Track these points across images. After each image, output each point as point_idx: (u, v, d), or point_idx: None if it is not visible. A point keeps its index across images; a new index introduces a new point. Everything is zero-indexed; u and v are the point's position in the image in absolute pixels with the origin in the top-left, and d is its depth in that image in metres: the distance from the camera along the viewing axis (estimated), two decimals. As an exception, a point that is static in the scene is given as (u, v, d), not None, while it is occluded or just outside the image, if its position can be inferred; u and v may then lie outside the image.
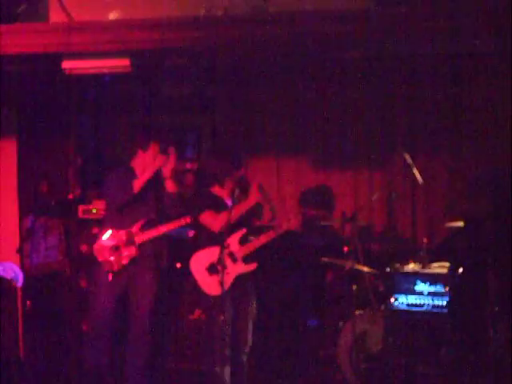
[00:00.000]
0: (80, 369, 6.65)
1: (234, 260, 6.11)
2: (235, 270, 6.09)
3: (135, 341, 6.35)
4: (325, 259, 6.83)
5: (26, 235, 7.33)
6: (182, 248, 6.90)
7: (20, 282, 6.79)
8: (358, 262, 6.54)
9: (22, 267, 7.14)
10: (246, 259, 6.12)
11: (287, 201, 7.86)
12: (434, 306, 6.18)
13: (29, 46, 6.74)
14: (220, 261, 5.82)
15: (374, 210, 7.54)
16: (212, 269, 6.06)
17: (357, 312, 6.35)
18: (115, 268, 6.30)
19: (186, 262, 6.27)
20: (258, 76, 7.89)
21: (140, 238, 6.38)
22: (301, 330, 7.22)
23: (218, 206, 6.17)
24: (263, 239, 6.12)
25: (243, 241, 6.16)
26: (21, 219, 7.66)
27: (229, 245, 6.02)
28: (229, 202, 6.18)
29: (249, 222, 6.22)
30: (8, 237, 7.53)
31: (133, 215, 6.40)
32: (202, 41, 6.58)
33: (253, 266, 6.11)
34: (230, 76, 7.93)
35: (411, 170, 6.71)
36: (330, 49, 6.86)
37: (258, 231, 6.26)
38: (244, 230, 6.14)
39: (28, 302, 6.86)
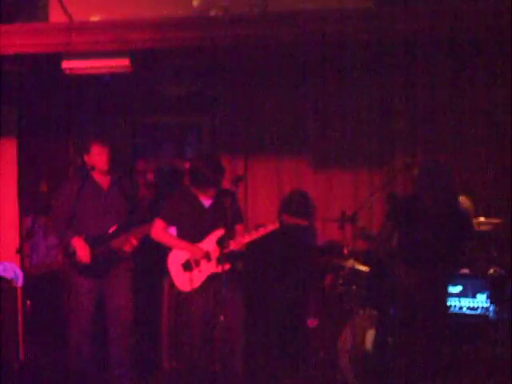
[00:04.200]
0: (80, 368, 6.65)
1: (209, 259, 6.16)
2: (208, 269, 6.16)
3: (117, 342, 6.38)
4: (325, 259, 6.82)
5: (26, 235, 7.32)
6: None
7: (20, 282, 6.79)
8: (358, 262, 6.55)
9: (22, 267, 7.13)
10: (221, 260, 6.09)
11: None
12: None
13: (29, 46, 6.73)
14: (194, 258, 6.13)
15: (375, 209, 7.54)
16: (186, 266, 6.18)
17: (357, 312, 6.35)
18: None
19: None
20: (258, 76, 7.89)
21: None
22: (301, 330, 7.21)
23: (193, 205, 6.24)
24: (237, 243, 6.12)
25: (220, 241, 6.16)
26: (21, 219, 7.66)
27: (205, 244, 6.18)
28: (206, 203, 6.25)
29: (229, 224, 6.16)
30: (8, 237, 7.53)
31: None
32: (202, 41, 6.58)
33: (226, 267, 6.06)
34: (230, 76, 7.94)
35: (411, 170, 6.70)
36: (330, 49, 6.85)
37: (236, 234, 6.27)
38: (222, 231, 6.16)
39: (28, 302, 6.86)
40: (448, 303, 6.11)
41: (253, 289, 7.23)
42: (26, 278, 6.84)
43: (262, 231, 6.13)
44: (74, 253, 6.28)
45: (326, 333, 6.90)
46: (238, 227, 6.29)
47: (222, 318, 5.88)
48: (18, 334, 6.67)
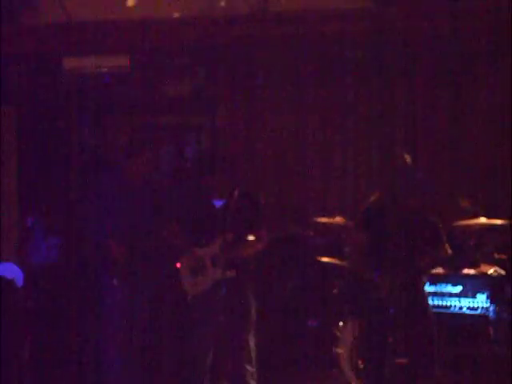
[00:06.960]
0: (80, 368, 6.66)
1: (215, 264, 6.04)
2: (213, 274, 6.02)
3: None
4: (325, 259, 6.83)
5: (26, 235, 7.33)
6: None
7: (20, 282, 6.79)
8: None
9: (22, 267, 7.14)
10: (228, 266, 6.00)
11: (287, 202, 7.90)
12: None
13: (29, 46, 6.75)
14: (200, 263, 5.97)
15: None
16: (193, 269, 6.05)
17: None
18: None
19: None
20: (258, 76, 7.89)
21: None
22: (301, 330, 7.22)
23: (202, 204, 6.14)
24: (246, 251, 6.04)
25: (227, 247, 6.02)
26: (21, 219, 7.67)
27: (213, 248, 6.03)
28: (217, 203, 6.11)
29: (239, 229, 6.05)
30: (8, 237, 7.54)
31: None
32: (203, 41, 6.59)
33: (231, 273, 5.97)
34: (231, 76, 7.94)
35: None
36: (330, 48, 6.87)
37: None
38: (231, 235, 6.00)
39: (28, 302, 6.86)
40: (429, 303, 6.08)
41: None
42: (26, 277, 6.84)
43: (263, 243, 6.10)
44: (109, 254, 6.16)
45: (326, 333, 6.91)
46: (252, 234, 6.06)
47: (223, 321, 5.86)
48: (18, 333, 6.67)
